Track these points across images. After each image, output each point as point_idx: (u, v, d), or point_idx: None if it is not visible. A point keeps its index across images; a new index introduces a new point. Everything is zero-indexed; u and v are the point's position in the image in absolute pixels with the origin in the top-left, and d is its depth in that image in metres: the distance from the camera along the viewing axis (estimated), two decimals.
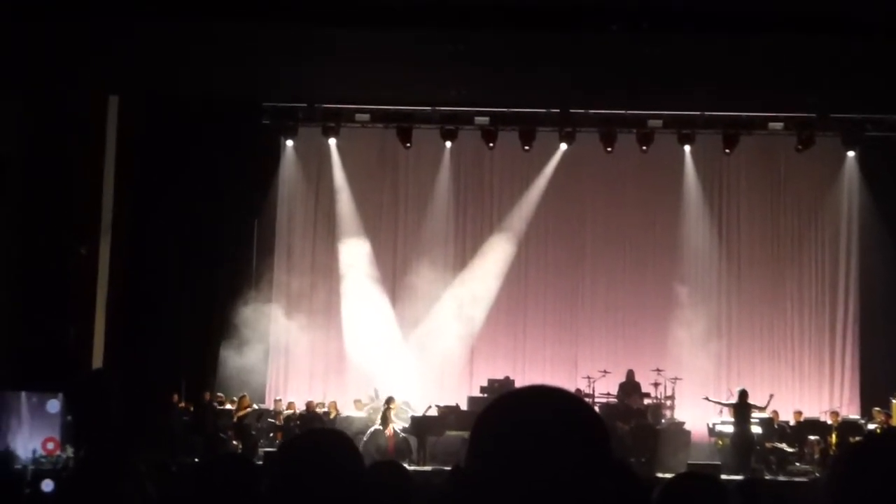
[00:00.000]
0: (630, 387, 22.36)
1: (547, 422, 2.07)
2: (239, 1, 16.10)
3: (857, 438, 18.05)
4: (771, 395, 21.30)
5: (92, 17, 16.27)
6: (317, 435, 3.82)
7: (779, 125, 23.58)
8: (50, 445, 19.11)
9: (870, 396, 22.72)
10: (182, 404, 21.58)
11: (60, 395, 19.58)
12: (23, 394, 19.60)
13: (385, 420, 20.83)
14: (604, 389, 22.48)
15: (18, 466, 18.02)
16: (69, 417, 19.42)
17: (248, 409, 21.55)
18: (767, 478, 19.68)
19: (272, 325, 23.52)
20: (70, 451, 18.97)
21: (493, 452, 2.07)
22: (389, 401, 21.17)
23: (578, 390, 21.75)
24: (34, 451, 19.02)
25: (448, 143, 24.27)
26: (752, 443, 20.49)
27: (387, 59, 18.54)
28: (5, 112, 20.66)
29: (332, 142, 24.31)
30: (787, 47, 17.53)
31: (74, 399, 19.03)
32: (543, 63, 18.80)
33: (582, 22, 16.38)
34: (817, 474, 19.53)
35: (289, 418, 21.67)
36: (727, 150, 23.79)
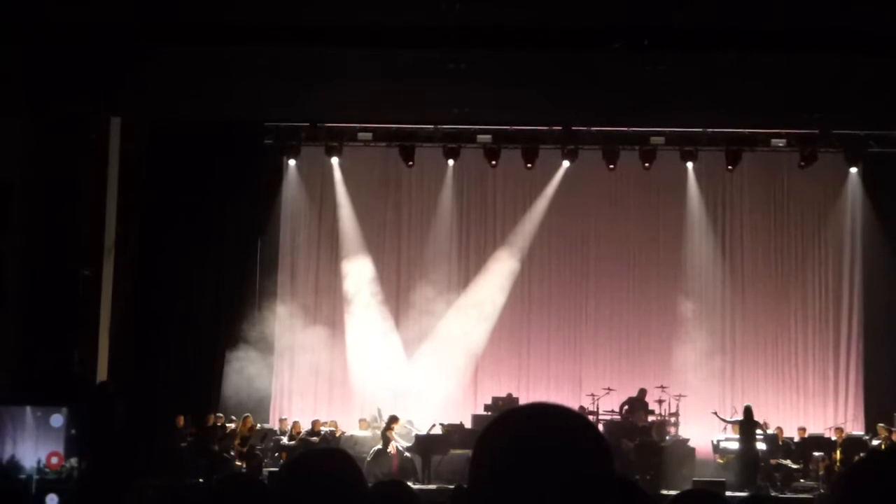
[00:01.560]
0: (638, 403, 22.33)
1: (549, 440, 2.06)
2: (242, 23, 16.14)
3: (861, 455, 18.03)
4: (764, 422, 21.27)
5: (96, 42, 16.31)
6: (319, 455, 3.82)
7: (781, 142, 23.60)
8: (54, 459, 19.12)
9: (874, 413, 22.69)
10: (183, 425, 21.55)
11: (64, 410, 19.61)
12: (27, 408, 19.62)
13: (386, 440, 20.80)
14: (608, 407, 22.47)
15: (23, 477, 18.05)
16: (73, 431, 19.45)
17: (253, 430, 21.54)
18: (772, 494, 19.66)
19: (276, 345, 23.54)
20: (73, 463, 18.99)
21: (495, 471, 2.06)
22: (391, 420, 21.15)
23: (582, 408, 21.75)
24: (39, 463, 19.03)
25: (451, 162, 24.29)
26: (757, 459, 20.45)
27: (389, 78, 18.55)
28: (8, 137, 20.71)
29: (335, 161, 24.34)
30: (790, 64, 17.54)
31: (79, 410, 19.09)
32: (545, 81, 18.82)
33: (583, 40, 16.40)
34: (822, 491, 19.50)
35: (293, 438, 21.64)
36: (730, 167, 23.82)
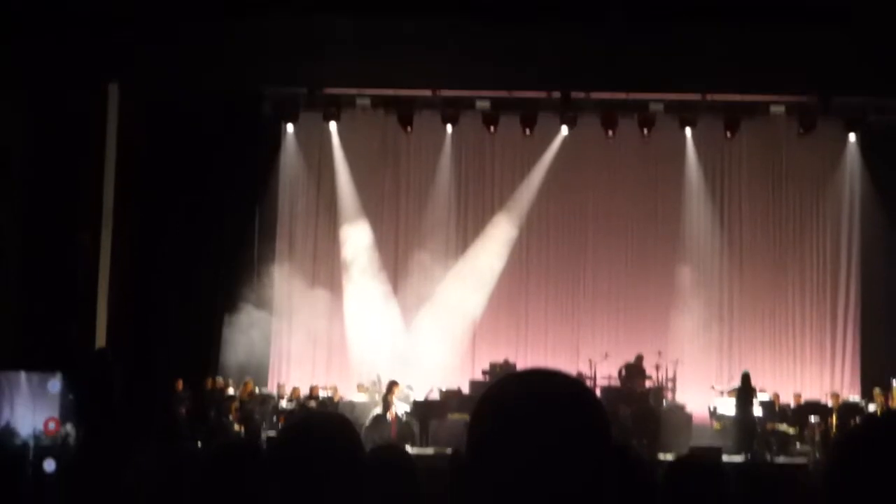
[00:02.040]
0: (635, 370, 22.36)
1: (546, 404, 2.07)
2: None
3: (857, 420, 18.10)
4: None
5: (95, 11, 16.26)
6: (317, 419, 3.83)
7: (780, 109, 23.53)
8: (51, 425, 19.13)
9: (870, 379, 22.74)
10: (182, 389, 21.59)
11: (60, 375, 19.61)
12: (23, 373, 19.62)
13: (387, 404, 20.86)
14: (605, 373, 22.52)
15: (19, 443, 18.07)
16: (70, 397, 19.46)
17: (252, 394, 21.61)
18: (768, 459, 19.74)
19: (275, 311, 23.57)
20: (70, 429, 19.01)
21: (492, 436, 2.08)
22: (392, 385, 21.20)
23: (580, 373, 21.79)
24: (35, 429, 19.06)
25: (449, 128, 24.25)
26: (753, 425, 20.51)
27: (387, 44, 18.52)
28: (7, 105, 20.66)
29: (333, 127, 24.29)
30: (790, 31, 17.51)
31: (76, 377, 19.10)
32: (544, 47, 18.78)
33: (582, 5, 16.36)
34: (817, 456, 19.58)
35: (291, 403, 21.71)
36: (728, 134, 23.77)
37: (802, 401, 21.77)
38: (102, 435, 17.39)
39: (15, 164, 20.61)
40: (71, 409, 19.38)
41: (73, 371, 19.49)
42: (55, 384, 19.53)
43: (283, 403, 21.79)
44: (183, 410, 21.12)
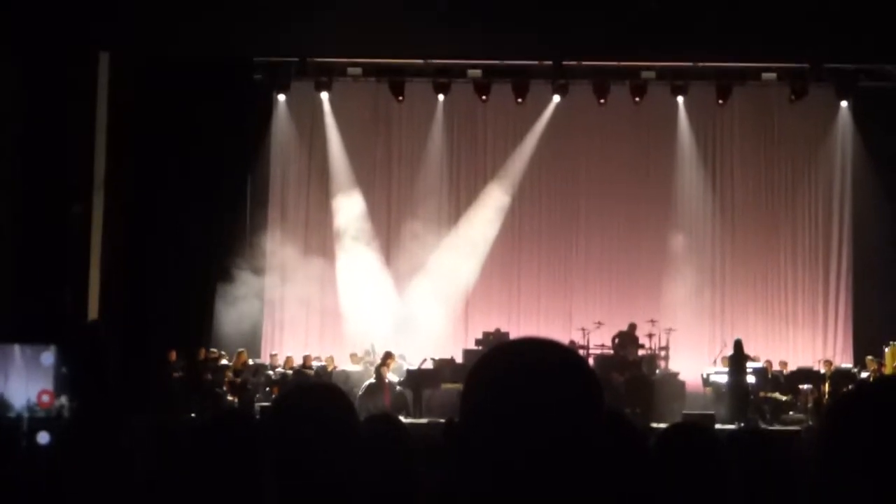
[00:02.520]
0: (628, 338, 22.41)
1: (538, 373, 2.07)
2: None
3: (850, 387, 18.14)
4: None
5: None
6: (310, 390, 3.83)
7: (772, 76, 23.49)
8: (45, 398, 19.13)
9: (863, 345, 22.81)
10: (176, 359, 21.60)
11: (54, 348, 19.59)
12: (16, 346, 19.61)
13: (380, 375, 20.88)
14: (598, 341, 22.57)
15: (13, 415, 18.07)
16: (64, 370, 19.44)
17: (245, 365, 21.64)
18: (762, 427, 19.80)
19: (267, 280, 23.56)
20: (63, 401, 19.02)
21: (485, 405, 2.08)
22: (387, 356, 21.20)
23: (573, 342, 21.84)
24: (28, 401, 19.05)
25: (441, 97, 24.21)
26: (746, 392, 20.57)
27: (378, 11, 18.44)
28: None
29: (325, 96, 24.24)
30: None
31: (70, 350, 19.08)
32: (536, 13, 18.72)
33: None
34: (810, 423, 19.64)
35: (285, 373, 21.74)
36: (720, 101, 23.75)
37: (791, 368, 21.83)
38: (97, 406, 17.40)
39: (3, 133, 20.51)
40: (65, 381, 19.38)
41: (67, 344, 19.46)
42: (48, 357, 19.51)
43: (277, 373, 21.81)
44: (177, 378, 21.15)
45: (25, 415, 18.04)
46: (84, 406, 17.89)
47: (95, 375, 18.19)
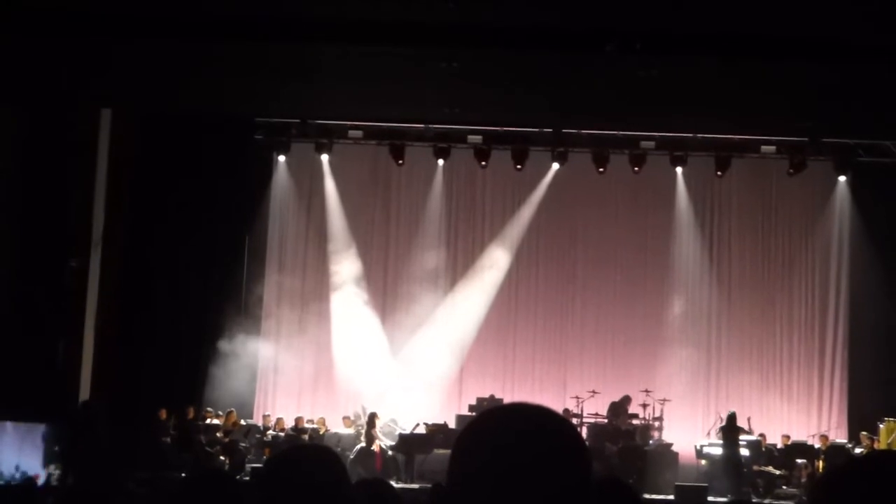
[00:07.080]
0: (620, 407, 22.36)
1: (526, 440, 2.07)
2: (234, 17, 16.11)
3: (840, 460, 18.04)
4: (748, 418, 21.41)
5: (87, 33, 16.27)
6: (303, 451, 3.82)
7: (771, 149, 23.63)
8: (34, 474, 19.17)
9: (857, 420, 22.74)
10: (166, 418, 21.50)
11: (45, 427, 19.62)
12: (8, 423, 19.60)
13: (371, 438, 20.77)
14: (593, 410, 22.49)
15: (1, 482, 18.02)
16: (56, 448, 19.43)
17: (236, 425, 21.53)
18: (755, 501, 19.69)
19: (261, 340, 23.49)
20: (52, 469, 19.01)
21: (472, 470, 2.07)
22: (373, 417, 21.13)
23: (567, 410, 21.80)
24: (18, 468, 19.00)
25: (441, 162, 24.30)
26: (740, 465, 20.47)
27: (380, 76, 18.55)
28: None
29: (325, 158, 24.31)
30: (780, 71, 17.57)
31: (62, 432, 19.10)
32: (537, 83, 18.83)
33: (576, 42, 16.41)
34: (804, 498, 19.52)
35: (277, 434, 21.63)
36: (719, 173, 23.83)
37: (790, 442, 21.75)
38: (89, 477, 17.35)
39: (3, 186, 20.56)
40: (57, 457, 19.37)
41: (58, 424, 19.47)
42: (41, 434, 19.63)
43: (269, 435, 21.71)
44: (167, 439, 21.05)
45: (17, 476, 18.05)
46: (78, 478, 17.86)
47: (88, 453, 18.14)
